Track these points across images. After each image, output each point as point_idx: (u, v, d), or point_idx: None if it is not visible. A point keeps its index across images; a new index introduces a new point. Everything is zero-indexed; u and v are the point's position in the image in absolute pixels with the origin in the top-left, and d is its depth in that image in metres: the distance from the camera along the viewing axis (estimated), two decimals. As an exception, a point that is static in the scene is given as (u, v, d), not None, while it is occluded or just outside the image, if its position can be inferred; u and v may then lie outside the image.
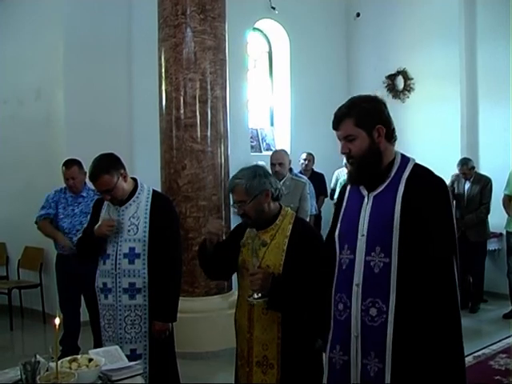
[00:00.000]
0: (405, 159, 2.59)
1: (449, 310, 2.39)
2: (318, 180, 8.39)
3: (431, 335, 2.35)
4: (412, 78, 9.53)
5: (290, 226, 3.18)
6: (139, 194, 3.90)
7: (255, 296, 3.01)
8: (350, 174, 2.71)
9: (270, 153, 7.28)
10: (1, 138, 8.11)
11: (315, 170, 8.86)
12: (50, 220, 5.82)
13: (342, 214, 2.70)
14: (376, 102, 2.61)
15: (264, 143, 9.66)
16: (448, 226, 2.48)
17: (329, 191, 9.01)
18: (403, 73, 9.60)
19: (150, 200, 3.89)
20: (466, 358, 5.81)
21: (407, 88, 9.60)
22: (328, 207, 9.02)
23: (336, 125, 2.60)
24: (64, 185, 5.80)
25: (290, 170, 6.88)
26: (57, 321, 2.43)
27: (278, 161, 6.15)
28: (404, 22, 9.54)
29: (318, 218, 8.28)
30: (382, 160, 2.55)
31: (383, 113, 2.59)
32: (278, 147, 8.70)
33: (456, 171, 8.06)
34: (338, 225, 2.68)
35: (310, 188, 6.72)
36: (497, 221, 8.02)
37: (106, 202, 3.92)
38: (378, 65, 9.85)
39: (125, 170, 3.85)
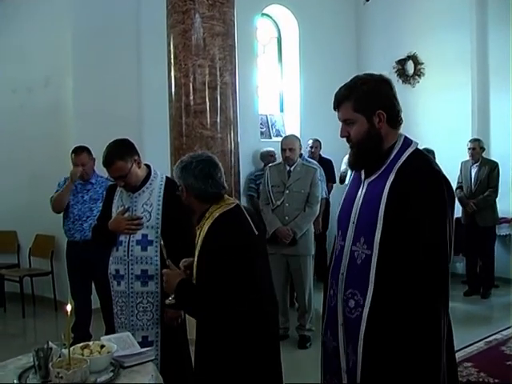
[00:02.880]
0: (405, 145, 2.43)
1: (427, 316, 2.21)
2: (325, 166, 8.36)
3: (404, 341, 2.21)
4: (422, 63, 9.47)
5: (207, 227, 2.94)
6: (152, 180, 3.89)
7: (170, 298, 2.94)
8: (349, 158, 2.57)
9: (279, 139, 7.26)
10: (10, 127, 8.11)
11: (323, 155, 8.82)
12: None
13: (342, 198, 2.62)
14: (379, 83, 2.45)
15: (274, 129, 9.63)
16: (435, 228, 2.24)
17: (337, 176, 8.98)
18: (413, 58, 9.55)
19: (163, 187, 3.88)
20: (478, 344, 5.90)
21: (417, 73, 9.55)
22: (337, 193, 9.00)
23: (335, 106, 2.48)
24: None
25: (301, 155, 6.86)
26: (68, 308, 2.43)
27: (289, 146, 6.13)
28: (414, 6, 9.48)
29: (327, 202, 8.29)
30: (382, 145, 2.41)
31: (386, 96, 2.43)
32: (288, 133, 8.65)
33: (466, 157, 8.03)
34: (339, 209, 2.60)
35: (320, 173, 6.71)
36: (508, 206, 8.00)
37: (118, 189, 3.93)
38: (388, 49, 9.78)
39: (139, 156, 3.85)
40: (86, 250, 5.36)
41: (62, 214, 5.88)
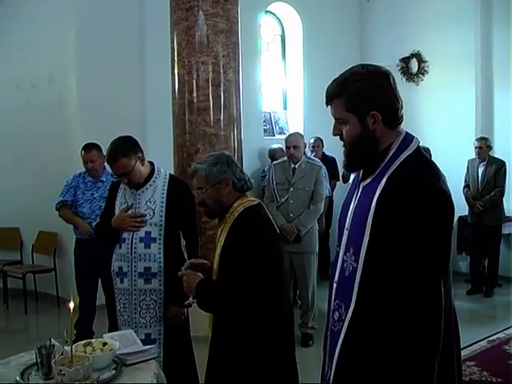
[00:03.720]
0: (402, 146, 2.15)
1: (410, 352, 1.92)
2: (329, 164, 8.34)
3: (379, 369, 1.97)
4: (426, 61, 9.45)
5: (233, 221, 2.93)
6: (156, 178, 3.89)
7: (190, 299, 2.92)
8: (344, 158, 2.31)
9: (283, 136, 7.25)
10: (14, 124, 8.11)
11: (327, 153, 8.81)
12: (69, 206, 5.83)
13: (342, 201, 2.38)
14: (375, 78, 2.12)
15: (277, 127, 9.62)
16: (423, 245, 1.93)
17: (341, 175, 8.97)
18: (417, 55, 9.52)
19: (166, 184, 3.87)
20: (481, 343, 5.89)
21: (421, 71, 9.52)
22: (340, 191, 8.99)
23: (326, 103, 2.26)
24: (83, 169, 5.80)
25: (304, 153, 6.84)
26: (71, 305, 2.43)
27: (293, 144, 6.11)
28: (418, 4, 9.45)
29: (330, 200, 8.29)
30: (376, 147, 2.14)
31: (382, 94, 2.12)
32: (291, 131, 8.65)
33: (472, 156, 8.01)
34: (339, 211, 2.37)
35: (324, 171, 6.70)
36: (512, 205, 8.00)
37: (122, 186, 3.93)
38: (392, 47, 9.76)
39: (142, 153, 3.85)
40: (94, 247, 5.36)
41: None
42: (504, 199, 7.86)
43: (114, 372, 2.57)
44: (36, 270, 7.82)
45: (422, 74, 9.52)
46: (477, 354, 5.63)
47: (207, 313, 2.95)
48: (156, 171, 3.93)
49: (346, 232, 2.20)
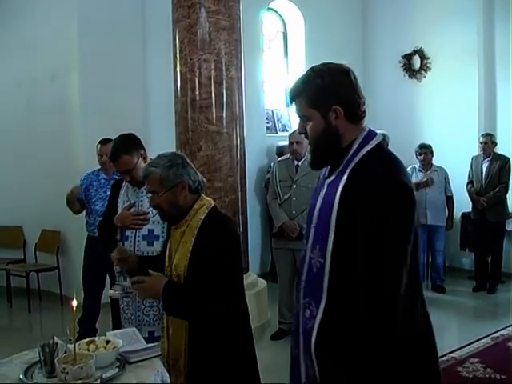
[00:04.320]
0: (364, 141, 2.15)
1: (375, 343, 1.98)
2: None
3: (352, 359, 2.01)
4: (429, 58, 9.43)
5: (200, 223, 2.90)
6: None
7: (116, 292, 2.89)
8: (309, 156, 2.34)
9: (285, 134, 7.25)
10: (16, 122, 8.11)
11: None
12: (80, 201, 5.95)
13: (310, 198, 2.38)
14: (335, 74, 2.17)
15: (280, 124, 9.61)
16: (385, 238, 1.97)
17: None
18: (420, 52, 9.50)
19: (203, 178, 3.87)
20: (485, 340, 5.88)
21: (424, 67, 9.50)
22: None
23: (290, 101, 2.26)
24: (98, 167, 5.85)
25: (308, 150, 6.83)
26: (74, 303, 2.43)
27: (296, 139, 6.10)
28: (420, 1, 9.44)
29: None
30: (339, 143, 2.16)
31: (343, 88, 2.15)
32: (294, 128, 8.63)
33: (474, 152, 8.00)
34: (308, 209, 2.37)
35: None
36: (515, 201, 7.98)
37: (124, 184, 3.93)
38: (394, 44, 9.75)
39: (145, 150, 3.85)
40: (103, 245, 5.37)
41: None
42: (508, 195, 7.85)
43: (117, 370, 2.57)
44: (39, 268, 7.83)
45: (425, 70, 9.50)
46: (480, 351, 5.62)
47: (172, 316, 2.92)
48: None
49: (312, 229, 2.21)
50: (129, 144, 3.77)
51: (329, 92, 2.13)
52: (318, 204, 2.20)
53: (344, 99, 2.14)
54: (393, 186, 2.00)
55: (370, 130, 2.21)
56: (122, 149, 3.72)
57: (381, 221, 1.95)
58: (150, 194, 2.98)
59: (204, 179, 3.07)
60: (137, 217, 3.73)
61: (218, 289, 2.73)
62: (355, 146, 2.14)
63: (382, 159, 2.12)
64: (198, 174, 3.03)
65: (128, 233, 3.79)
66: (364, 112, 2.19)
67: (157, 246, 3.74)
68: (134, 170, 3.73)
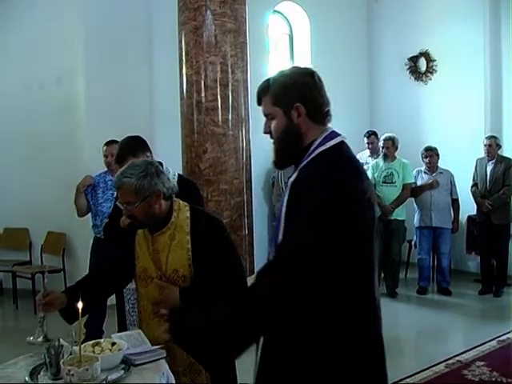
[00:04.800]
0: (322, 142, 2.16)
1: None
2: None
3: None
4: (434, 60, 9.42)
5: (188, 221, 2.95)
6: None
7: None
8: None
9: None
10: (22, 125, 8.12)
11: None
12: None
13: None
14: (300, 75, 2.22)
15: (285, 126, 9.61)
16: (300, 237, 1.97)
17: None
18: (425, 54, 9.50)
19: (175, 182, 3.82)
20: (491, 343, 5.86)
21: (430, 70, 9.50)
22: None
23: (257, 101, 2.29)
24: (104, 169, 5.88)
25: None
26: (79, 305, 2.43)
27: None
28: (426, 3, 9.43)
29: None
30: (301, 142, 2.18)
31: (306, 88, 2.18)
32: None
33: (480, 155, 7.97)
34: None
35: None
36: (521, 204, 7.95)
37: None
38: (400, 47, 9.74)
39: (151, 153, 3.83)
40: (110, 247, 5.38)
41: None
42: (512, 198, 7.83)
43: (122, 372, 2.57)
44: (45, 270, 7.83)
45: (431, 72, 9.49)
46: (486, 354, 5.60)
47: None
48: (165, 171, 3.91)
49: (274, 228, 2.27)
50: (135, 146, 3.75)
51: (291, 90, 2.17)
52: (281, 203, 2.21)
53: (306, 98, 2.18)
54: (328, 184, 1.99)
55: (333, 131, 2.23)
56: (129, 151, 3.69)
57: (309, 216, 1.96)
58: (123, 205, 2.90)
59: (176, 184, 3.08)
60: None
61: (236, 271, 2.86)
62: (314, 146, 2.16)
63: (330, 159, 2.11)
64: (171, 179, 3.06)
65: None
66: (328, 113, 2.25)
67: None
68: None
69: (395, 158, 7.96)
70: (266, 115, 2.26)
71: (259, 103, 2.28)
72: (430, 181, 7.98)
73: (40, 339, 2.82)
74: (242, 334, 1.97)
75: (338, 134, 2.21)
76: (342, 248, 1.96)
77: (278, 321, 1.97)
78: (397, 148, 7.97)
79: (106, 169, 5.93)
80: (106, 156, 5.81)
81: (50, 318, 3.53)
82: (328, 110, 2.25)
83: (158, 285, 2.95)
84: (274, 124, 2.21)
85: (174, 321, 2.10)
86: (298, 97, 2.16)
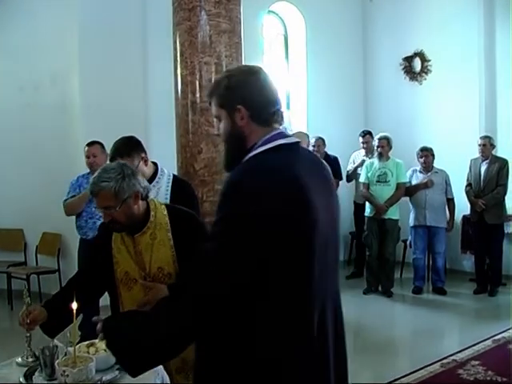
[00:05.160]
0: (260, 145, 2.06)
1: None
2: (331, 163, 8.33)
3: None
4: (429, 60, 9.45)
5: (167, 218, 3.01)
6: (159, 178, 3.85)
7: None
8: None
9: (286, 136, 7.23)
10: (17, 125, 8.12)
11: (329, 153, 8.80)
12: None
13: None
14: (244, 75, 2.15)
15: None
16: (213, 242, 1.91)
17: (344, 174, 8.98)
18: (420, 55, 9.53)
19: (170, 185, 3.85)
20: (486, 342, 5.87)
21: (424, 70, 9.53)
22: (343, 190, 8.99)
23: (209, 103, 2.22)
24: (87, 171, 5.85)
25: (308, 153, 6.81)
26: (74, 305, 2.42)
27: None
28: (421, 3, 9.46)
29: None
30: (244, 144, 2.09)
31: (248, 89, 2.10)
32: (295, 130, 8.64)
33: (475, 155, 7.99)
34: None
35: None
36: (514, 203, 7.98)
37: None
38: (395, 47, 9.77)
39: (145, 153, 3.82)
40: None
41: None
42: (506, 197, 7.84)
43: (117, 373, 2.57)
44: (40, 271, 7.83)
45: (425, 72, 9.52)
46: (481, 354, 5.62)
47: None
48: (159, 171, 3.90)
49: None
50: (129, 147, 3.73)
51: (234, 91, 2.09)
52: None
53: (248, 100, 2.08)
54: (232, 187, 1.93)
55: (277, 133, 2.09)
56: (123, 151, 3.66)
57: (216, 220, 1.92)
58: (103, 210, 2.87)
59: (148, 184, 3.08)
60: None
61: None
62: (253, 150, 2.07)
63: (252, 162, 2.03)
64: (145, 180, 3.03)
65: None
66: (274, 114, 2.11)
67: None
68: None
69: (389, 157, 7.97)
70: (215, 117, 2.21)
71: (210, 104, 2.22)
72: (425, 180, 8.00)
73: (30, 359, 2.79)
74: (161, 347, 1.93)
75: (282, 137, 2.08)
76: (255, 263, 1.84)
77: (199, 332, 1.92)
78: (391, 147, 7.99)
79: (88, 170, 5.91)
80: (87, 157, 5.80)
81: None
82: (275, 111, 2.11)
83: (143, 286, 2.94)
84: (220, 126, 2.17)
85: (106, 330, 2.09)
86: (240, 98, 2.08)
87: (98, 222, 5.55)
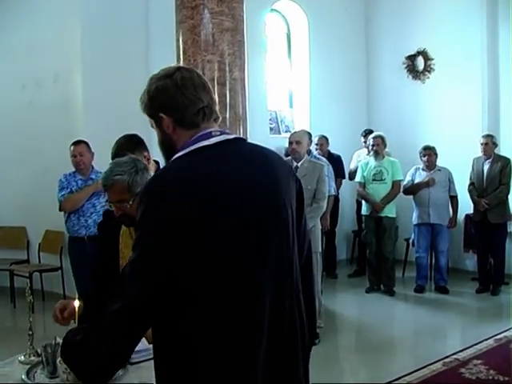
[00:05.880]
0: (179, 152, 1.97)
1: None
2: (334, 162, 8.34)
3: None
4: (432, 59, 9.43)
5: None
6: None
7: None
8: None
9: (289, 135, 7.24)
10: (19, 123, 8.12)
11: (332, 152, 8.80)
12: None
13: None
14: (161, 80, 2.06)
15: (283, 125, 9.62)
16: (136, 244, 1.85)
17: (347, 172, 8.97)
18: (423, 53, 9.51)
19: None
20: (488, 341, 5.87)
21: (427, 69, 9.51)
22: (346, 189, 8.99)
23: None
24: (73, 169, 5.90)
25: (309, 152, 6.82)
26: (76, 303, 2.43)
27: (296, 139, 6.12)
28: (424, 1, 9.45)
29: (336, 199, 8.29)
30: (174, 151, 1.98)
31: (165, 94, 2.01)
32: (297, 129, 8.65)
33: (478, 154, 7.99)
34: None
35: (328, 169, 6.67)
36: (517, 202, 7.97)
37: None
38: (398, 45, 9.75)
39: (148, 152, 3.80)
40: (92, 245, 5.37)
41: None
42: (509, 197, 7.83)
43: (119, 371, 2.57)
44: (43, 268, 7.84)
45: (428, 71, 9.50)
46: (483, 353, 5.61)
47: None
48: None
49: None
50: (132, 144, 3.73)
51: (154, 100, 2.02)
52: None
53: (167, 106, 2.00)
54: (143, 193, 1.89)
55: (200, 136, 1.96)
56: (126, 149, 3.63)
57: (139, 230, 1.85)
58: (115, 205, 2.86)
59: None
60: None
61: None
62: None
63: (163, 169, 2.04)
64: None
65: None
66: (199, 113, 1.99)
67: None
68: None
69: (384, 156, 7.96)
70: (151, 126, 2.11)
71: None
72: (426, 179, 8.00)
73: (32, 357, 2.79)
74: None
75: (206, 138, 1.95)
76: (179, 262, 1.77)
77: (134, 334, 1.84)
78: (386, 146, 7.98)
79: (73, 169, 5.99)
80: (74, 156, 5.84)
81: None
82: (199, 110, 1.99)
83: None
84: (156, 134, 2.08)
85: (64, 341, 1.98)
86: (160, 106, 2.00)
87: (90, 220, 5.59)
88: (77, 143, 5.86)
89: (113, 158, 3.68)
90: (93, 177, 5.82)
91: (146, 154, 3.76)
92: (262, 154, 2.06)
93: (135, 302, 1.77)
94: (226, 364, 1.79)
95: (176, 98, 1.98)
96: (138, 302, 1.77)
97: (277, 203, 1.95)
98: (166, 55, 6.75)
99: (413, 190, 8.11)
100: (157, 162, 3.94)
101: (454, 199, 8.14)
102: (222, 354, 1.80)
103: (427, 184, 7.97)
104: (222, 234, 1.80)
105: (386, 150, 8.21)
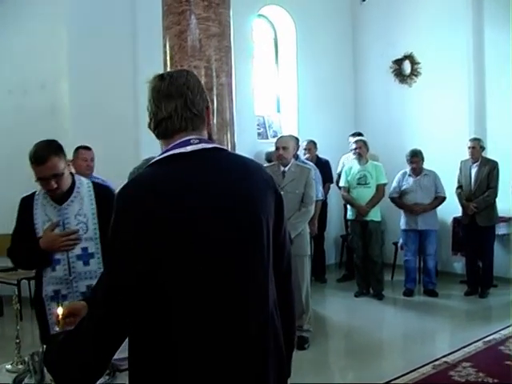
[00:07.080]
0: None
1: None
2: (323, 167, 8.36)
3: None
4: (419, 63, 9.48)
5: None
6: (79, 188, 3.53)
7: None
8: None
9: (276, 140, 7.26)
10: (5, 129, 8.08)
11: (320, 156, 8.81)
12: None
13: None
14: (148, 91, 2.16)
15: (271, 130, 9.63)
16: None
17: (335, 177, 8.99)
18: (410, 57, 9.56)
19: (93, 193, 3.53)
20: (477, 344, 5.89)
21: (414, 73, 9.56)
22: (334, 194, 9.00)
23: None
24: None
25: (297, 156, 6.83)
26: (59, 311, 2.41)
27: (282, 145, 6.12)
28: (411, 6, 9.49)
29: (324, 203, 8.30)
30: None
31: (150, 103, 2.10)
32: (285, 134, 8.66)
33: (465, 157, 8.02)
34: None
35: (316, 174, 6.67)
36: (505, 205, 8.01)
37: (37, 202, 3.61)
38: (385, 50, 9.80)
39: (69, 164, 3.58)
40: None
41: None
42: (497, 199, 7.86)
43: (107, 378, 2.56)
44: (31, 276, 7.78)
45: (415, 75, 9.55)
46: (472, 355, 5.63)
47: None
48: (77, 180, 3.57)
49: None
50: (55, 146, 3.43)
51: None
52: None
53: (151, 115, 2.07)
54: (116, 197, 1.89)
55: (173, 146, 1.98)
56: (50, 150, 3.38)
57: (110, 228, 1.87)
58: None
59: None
60: (66, 237, 3.39)
61: None
62: None
63: (138, 174, 2.05)
64: None
65: (58, 256, 3.44)
66: (165, 127, 2.04)
67: (93, 265, 3.44)
68: (63, 176, 3.40)
69: (368, 160, 7.97)
70: None
71: None
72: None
73: (19, 366, 2.76)
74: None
75: (176, 147, 1.96)
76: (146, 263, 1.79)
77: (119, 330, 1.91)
78: (368, 149, 7.99)
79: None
80: (84, 160, 5.90)
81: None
82: (161, 120, 2.04)
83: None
84: None
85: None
86: (149, 116, 2.10)
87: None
88: (88, 148, 5.82)
89: (37, 159, 3.45)
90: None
91: (67, 161, 3.53)
92: (240, 164, 2.05)
93: (110, 303, 1.81)
94: (202, 363, 1.83)
95: (151, 108, 2.07)
96: (112, 305, 1.80)
97: (249, 213, 1.94)
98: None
99: (402, 206, 8.15)
100: (71, 173, 3.59)
101: (438, 198, 8.11)
102: (198, 355, 1.82)
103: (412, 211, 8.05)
104: (191, 238, 1.81)
105: (373, 153, 8.24)
